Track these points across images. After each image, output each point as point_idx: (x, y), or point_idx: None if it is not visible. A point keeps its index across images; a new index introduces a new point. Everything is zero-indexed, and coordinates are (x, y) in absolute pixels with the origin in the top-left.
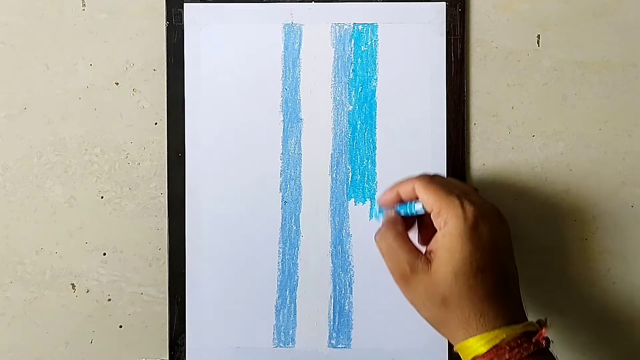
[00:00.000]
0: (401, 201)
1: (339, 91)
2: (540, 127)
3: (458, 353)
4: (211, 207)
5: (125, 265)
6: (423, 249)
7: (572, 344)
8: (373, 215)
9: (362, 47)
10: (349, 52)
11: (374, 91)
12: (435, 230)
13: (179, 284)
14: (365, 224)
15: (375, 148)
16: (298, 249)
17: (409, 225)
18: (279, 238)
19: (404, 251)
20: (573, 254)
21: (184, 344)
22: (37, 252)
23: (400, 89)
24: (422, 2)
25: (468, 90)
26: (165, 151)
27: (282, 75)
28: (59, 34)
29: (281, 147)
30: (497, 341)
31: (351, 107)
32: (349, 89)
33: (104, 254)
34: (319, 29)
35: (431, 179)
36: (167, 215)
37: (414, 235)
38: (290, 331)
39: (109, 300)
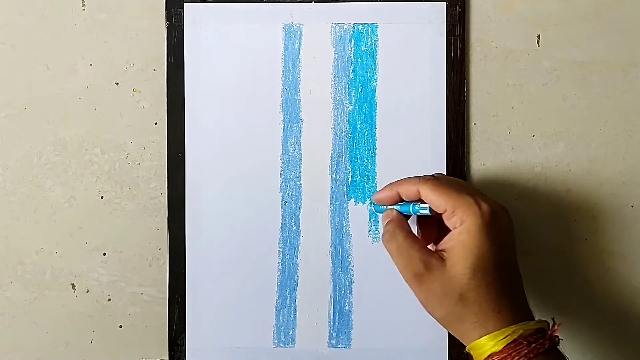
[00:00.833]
0: (401, 201)
1: (339, 91)
2: (540, 127)
3: (470, 352)
4: (211, 207)
5: (125, 265)
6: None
7: (571, 344)
8: (370, 206)
9: (362, 47)
10: (349, 52)
11: (374, 91)
12: (440, 231)
13: (179, 284)
14: (365, 224)
15: (375, 148)
16: (298, 249)
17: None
18: (279, 238)
19: (416, 250)
20: (573, 254)
21: (184, 344)
22: (37, 252)
23: (400, 89)
24: (422, 2)
25: (468, 90)
26: (165, 151)
27: (282, 75)
28: (59, 34)
29: (281, 147)
30: (515, 336)
31: (351, 107)
32: (349, 89)
33: (104, 254)
34: (319, 29)
35: (437, 181)
36: (167, 215)
37: None
38: (290, 331)
39: (109, 300)
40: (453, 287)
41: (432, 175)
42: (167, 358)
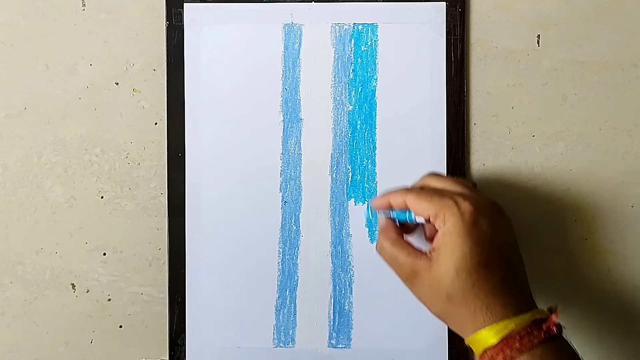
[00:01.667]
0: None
1: (339, 91)
2: (540, 127)
3: (469, 346)
4: (211, 207)
5: (125, 265)
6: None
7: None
8: (368, 214)
9: (362, 47)
10: (349, 52)
11: (374, 91)
12: None
13: (179, 284)
14: (371, 228)
15: (375, 148)
16: (298, 249)
17: (412, 228)
18: (279, 238)
19: (404, 255)
20: (573, 254)
21: (184, 344)
22: (37, 252)
23: (400, 89)
24: (422, 2)
25: (468, 90)
26: (165, 151)
27: (282, 75)
28: (59, 34)
29: (281, 147)
30: (507, 331)
31: (351, 107)
32: (349, 89)
33: (104, 254)
34: (319, 29)
35: (421, 189)
36: (167, 215)
37: (420, 235)
38: (290, 331)
39: (109, 300)
40: (439, 288)
41: (434, 176)
42: (167, 358)
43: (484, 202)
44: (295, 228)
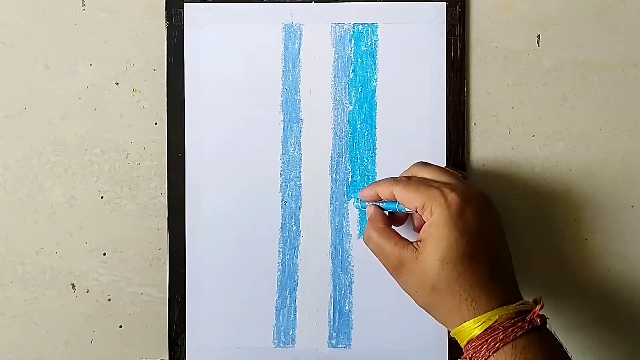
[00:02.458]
0: (380, 200)
1: (339, 91)
2: (540, 127)
3: (455, 338)
4: (211, 207)
5: (125, 265)
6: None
7: (571, 343)
8: (357, 204)
9: (362, 47)
10: (349, 52)
11: (374, 91)
12: None
13: (179, 284)
14: (365, 224)
15: (375, 148)
16: (298, 249)
17: (402, 218)
18: (279, 238)
19: (391, 245)
20: (573, 254)
21: (184, 344)
22: (37, 252)
23: (400, 89)
24: (422, 2)
25: (468, 90)
26: (165, 151)
27: (282, 75)
28: (59, 34)
29: (281, 147)
30: (490, 323)
31: (351, 107)
32: (349, 89)
33: (104, 254)
34: (319, 29)
35: (408, 180)
36: (167, 215)
37: (409, 226)
38: (290, 331)
39: (109, 300)
40: (425, 279)
41: (423, 165)
42: (167, 358)
43: (471, 193)
44: (295, 228)
